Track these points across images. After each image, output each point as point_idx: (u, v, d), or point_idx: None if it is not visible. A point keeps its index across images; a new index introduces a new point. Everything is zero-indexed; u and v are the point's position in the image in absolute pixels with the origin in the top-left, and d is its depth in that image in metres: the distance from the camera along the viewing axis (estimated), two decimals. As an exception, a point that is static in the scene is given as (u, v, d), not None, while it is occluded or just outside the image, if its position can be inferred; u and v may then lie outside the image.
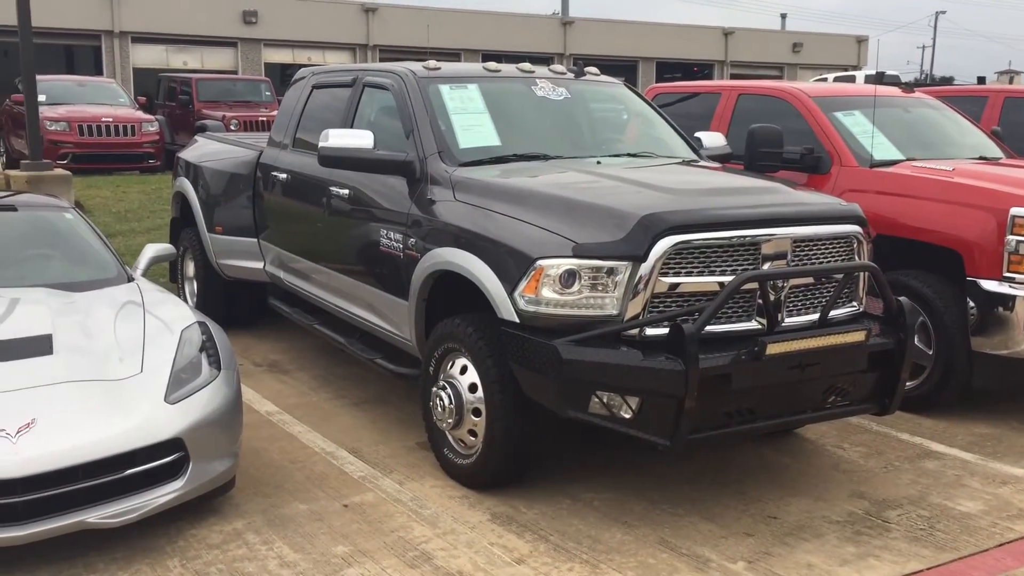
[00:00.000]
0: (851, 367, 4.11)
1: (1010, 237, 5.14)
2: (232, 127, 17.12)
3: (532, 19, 38.52)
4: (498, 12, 37.43)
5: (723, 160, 5.68)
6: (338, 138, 4.81)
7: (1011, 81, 36.64)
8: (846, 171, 6.08)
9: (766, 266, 3.97)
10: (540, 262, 3.85)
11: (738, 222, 3.92)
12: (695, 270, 3.86)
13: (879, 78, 12.33)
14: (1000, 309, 5.17)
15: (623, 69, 36.12)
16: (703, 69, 41.50)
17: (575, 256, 3.82)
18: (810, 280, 4.13)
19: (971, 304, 5.29)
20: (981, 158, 6.39)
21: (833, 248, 4.21)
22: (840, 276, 4.11)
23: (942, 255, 5.44)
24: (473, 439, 4.24)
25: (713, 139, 5.81)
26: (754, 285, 3.85)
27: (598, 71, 5.83)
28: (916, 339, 5.47)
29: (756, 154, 6.17)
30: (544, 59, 39.05)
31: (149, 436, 3.60)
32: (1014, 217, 5.13)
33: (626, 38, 38.46)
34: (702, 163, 5.31)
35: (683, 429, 3.68)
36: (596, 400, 3.77)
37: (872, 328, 4.22)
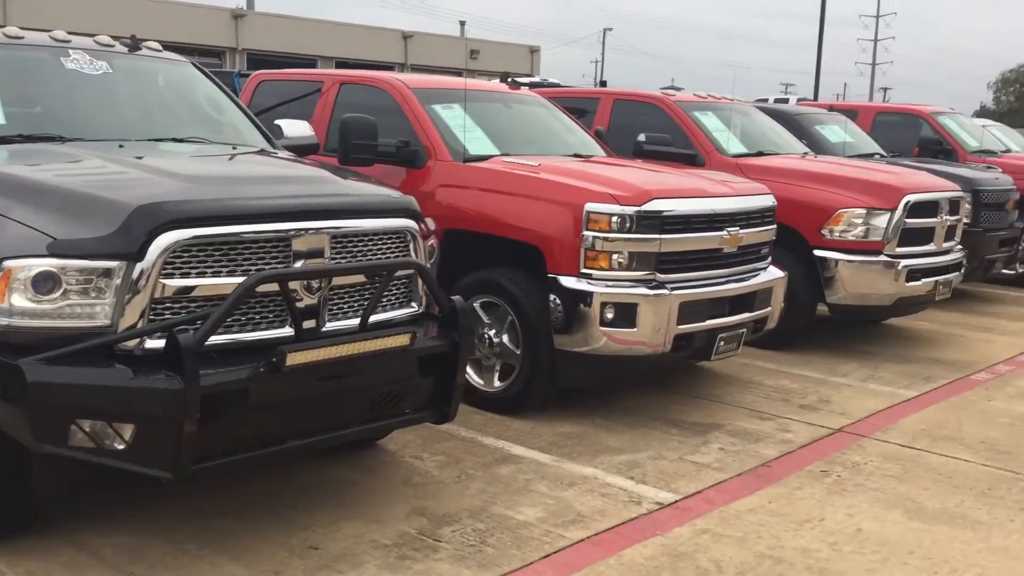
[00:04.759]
0: (399, 374, 3.75)
1: (586, 233, 5.10)
2: None
3: (198, 9, 36.26)
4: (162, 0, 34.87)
5: (305, 151, 5.18)
6: None
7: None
8: (441, 165, 5.83)
9: (298, 264, 3.51)
10: (7, 263, 3.12)
11: (261, 214, 3.42)
12: (211, 270, 3.31)
13: (540, 84, 12.55)
14: (581, 306, 5.11)
15: (301, 68, 34.98)
16: (384, 71, 41.40)
17: (52, 255, 3.13)
18: (361, 279, 3.73)
19: (557, 301, 5.20)
20: (576, 155, 6.42)
21: (383, 244, 3.83)
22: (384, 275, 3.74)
23: (527, 252, 5.32)
24: (-60, 486, 3.40)
25: (295, 128, 5.27)
26: (274, 287, 3.36)
27: (160, 47, 5.12)
28: (506, 339, 5.40)
29: (350, 146, 5.75)
30: (215, 53, 37.04)
31: None
32: (589, 213, 5.09)
33: (304, 35, 37.39)
34: (267, 152, 4.76)
35: (185, 458, 3.12)
36: (78, 430, 3.10)
37: (427, 330, 3.91)
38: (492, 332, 5.46)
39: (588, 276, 5.12)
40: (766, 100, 17.88)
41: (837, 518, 4.14)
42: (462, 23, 53.12)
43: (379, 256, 3.82)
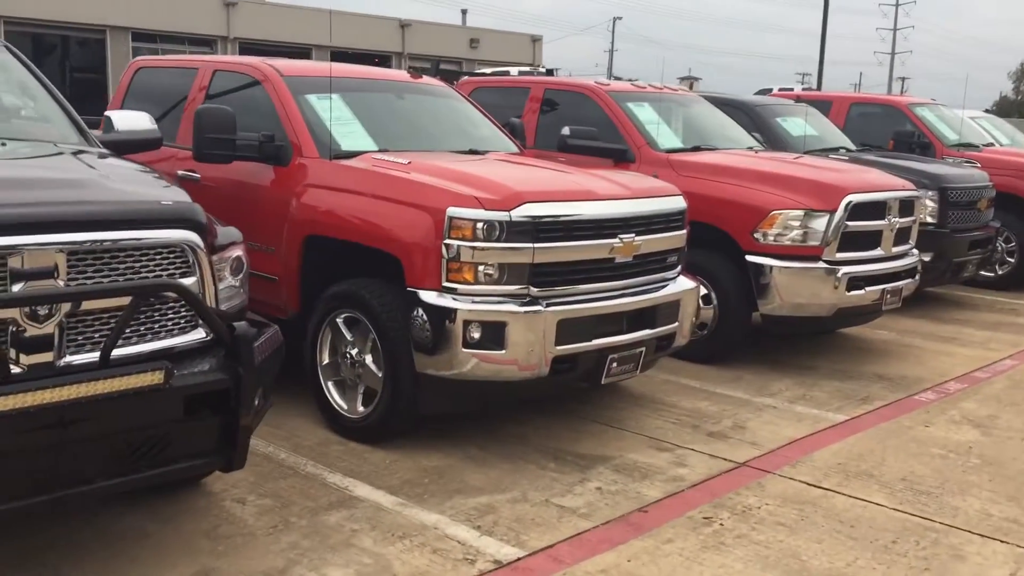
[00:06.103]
0: (154, 418, 3.14)
1: (449, 241, 4.47)
2: None
3: (191, 1, 35.67)
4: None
5: (140, 147, 4.58)
6: None
7: (691, 87, 39.21)
8: (307, 163, 5.21)
9: (17, 287, 2.91)
10: None
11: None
12: None
13: (502, 73, 11.92)
14: (444, 324, 4.48)
15: (295, 57, 34.34)
16: (383, 60, 40.77)
17: None
18: (120, 302, 3.12)
19: (424, 318, 4.57)
20: (472, 151, 5.76)
21: (151, 261, 3.22)
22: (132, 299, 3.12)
23: (389, 262, 4.70)
24: None
25: (130, 121, 4.67)
26: (-30, 317, 2.76)
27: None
28: (369, 359, 4.81)
29: (203, 140, 5.16)
30: (207, 42, 36.52)
31: None
32: (451, 218, 4.46)
33: (297, 23, 36.74)
34: (56, 152, 4.07)
35: None
36: None
37: (210, 363, 3.30)
38: (355, 351, 4.85)
39: (452, 290, 4.49)
40: (769, 91, 17.67)
41: (701, 583, 3.52)
42: (463, 11, 52.33)
43: (146, 275, 3.22)
